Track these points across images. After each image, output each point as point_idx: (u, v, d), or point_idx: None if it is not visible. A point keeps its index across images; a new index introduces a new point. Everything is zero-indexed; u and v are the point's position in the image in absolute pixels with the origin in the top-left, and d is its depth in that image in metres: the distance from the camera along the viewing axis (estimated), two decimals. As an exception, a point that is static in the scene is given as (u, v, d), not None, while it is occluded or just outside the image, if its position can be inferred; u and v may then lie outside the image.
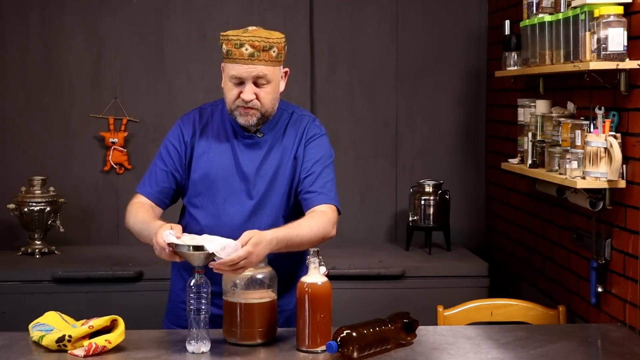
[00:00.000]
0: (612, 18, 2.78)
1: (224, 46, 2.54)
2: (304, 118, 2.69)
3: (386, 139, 4.67)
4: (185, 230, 2.52)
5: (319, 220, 2.52)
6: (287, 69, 2.64)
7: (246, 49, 2.49)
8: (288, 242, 2.41)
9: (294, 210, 2.65)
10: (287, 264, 2.58)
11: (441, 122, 4.73)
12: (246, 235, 2.30)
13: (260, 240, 2.30)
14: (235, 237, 2.31)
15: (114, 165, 4.59)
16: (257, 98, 2.53)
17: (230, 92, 2.55)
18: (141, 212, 2.57)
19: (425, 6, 4.68)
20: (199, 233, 2.44)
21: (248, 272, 2.36)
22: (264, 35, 2.51)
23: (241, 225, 2.55)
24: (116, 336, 2.34)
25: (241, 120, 2.57)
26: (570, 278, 3.45)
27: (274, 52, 2.52)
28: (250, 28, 2.54)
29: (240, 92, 2.53)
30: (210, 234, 2.41)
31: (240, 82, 2.52)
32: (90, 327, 2.33)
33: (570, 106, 3.31)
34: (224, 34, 2.54)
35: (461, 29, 4.69)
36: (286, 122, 2.67)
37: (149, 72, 4.63)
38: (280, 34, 2.56)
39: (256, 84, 2.52)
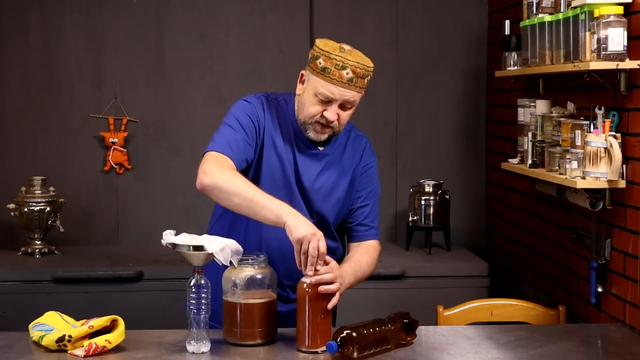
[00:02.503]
0: (612, 18, 2.78)
1: (320, 61, 2.44)
2: (362, 140, 2.68)
3: (386, 139, 4.67)
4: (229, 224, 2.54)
5: (373, 257, 2.64)
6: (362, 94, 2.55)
7: (347, 73, 2.43)
8: (354, 283, 2.52)
9: (335, 229, 2.67)
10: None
11: (441, 122, 4.73)
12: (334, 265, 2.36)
13: (344, 275, 2.41)
14: (285, 245, 2.36)
15: (114, 165, 4.59)
16: (337, 120, 2.49)
17: (312, 107, 2.48)
18: (243, 181, 2.37)
19: (425, 6, 4.68)
20: (255, 232, 2.50)
21: (248, 272, 2.36)
22: (364, 63, 2.46)
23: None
24: (116, 336, 2.33)
25: (312, 135, 2.51)
26: (570, 278, 3.45)
27: (367, 80, 2.49)
28: (345, 48, 2.47)
29: (324, 110, 2.47)
30: (267, 238, 2.49)
31: (328, 101, 2.46)
32: (90, 327, 2.33)
33: (570, 106, 3.31)
34: (324, 49, 2.45)
35: (461, 29, 4.69)
36: (345, 140, 2.64)
37: (149, 72, 4.63)
38: (371, 63, 2.50)
39: (341, 106, 2.48)
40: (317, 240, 2.27)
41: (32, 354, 2.33)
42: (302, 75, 2.54)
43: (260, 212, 2.34)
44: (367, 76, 2.48)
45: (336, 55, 2.44)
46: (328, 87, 2.44)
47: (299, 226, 2.27)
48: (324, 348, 2.30)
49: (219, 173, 2.37)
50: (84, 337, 2.32)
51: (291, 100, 2.60)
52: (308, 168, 2.57)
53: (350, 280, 2.48)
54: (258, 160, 2.54)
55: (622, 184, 2.86)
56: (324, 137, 2.53)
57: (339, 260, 2.72)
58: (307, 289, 2.31)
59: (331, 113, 2.47)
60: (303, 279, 2.33)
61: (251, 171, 2.54)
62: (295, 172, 2.56)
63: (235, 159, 2.44)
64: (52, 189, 4.36)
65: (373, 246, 2.66)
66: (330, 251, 2.62)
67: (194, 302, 2.29)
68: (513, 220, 4.22)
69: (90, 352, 2.28)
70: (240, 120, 2.51)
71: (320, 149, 2.58)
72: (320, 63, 2.45)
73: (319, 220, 2.59)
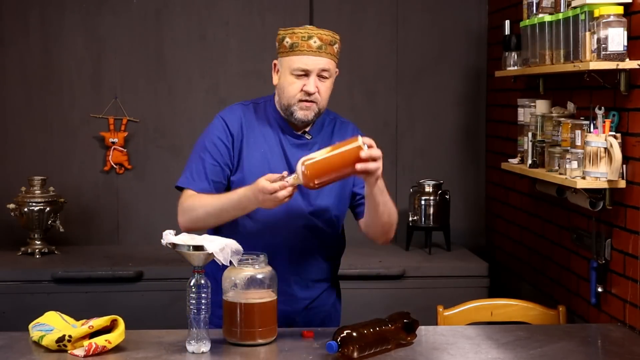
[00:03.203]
0: (612, 18, 2.78)
1: (287, 40, 2.55)
2: (348, 125, 2.73)
3: (386, 139, 4.67)
4: (232, 226, 2.57)
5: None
6: (338, 70, 2.65)
7: (315, 42, 2.53)
8: (385, 192, 2.52)
9: (342, 214, 2.69)
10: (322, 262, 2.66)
11: (441, 122, 4.73)
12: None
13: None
14: (289, 237, 2.49)
15: (114, 165, 4.59)
16: (318, 92, 2.55)
17: (291, 86, 2.55)
18: (208, 196, 2.54)
19: (425, 6, 4.68)
20: (247, 229, 2.53)
21: (248, 272, 2.36)
22: (329, 31, 2.57)
23: (297, 227, 2.58)
24: (116, 336, 2.33)
25: (300, 114, 2.56)
26: (570, 278, 3.45)
27: (336, 48, 2.58)
28: (307, 25, 2.61)
29: (303, 85, 2.54)
30: (258, 232, 2.51)
31: (305, 74, 2.54)
32: (90, 327, 2.33)
33: (570, 106, 3.31)
34: (287, 29, 2.58)
35: (461, 29, 4.69)
36: (332, 127, 2.69)
37: (149, 72, 4.63)
38: (337, 34, 2.61)
39: (318, 77, 2.55)
40: (275, 193, 2.34)
41: (32, 354, 2.32)
42: (275, 64, 2.63)
43: (233, 214, 2.51)
44: (335, 44, 2.57)
45: (300, 29, 2.56)
46: (300, 59, 2.53)
47: (257, 201, 2.40)
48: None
49: (185, 211, 2.56)
50: (84, 337, 2.32)
51: (271, 100, 2.67)
52: (299, 157, 2.55)
53: (384, 193, 2.51)
54: (238, 164, 2.60)
55: (622, 184, 2.86)
56: (310, 114, 2.57)
57: (340, 255, 2.74)
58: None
59: (310, 85, 2.54)
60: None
61: (236, 176, 2.60)
62: (287, 165, 2.60)
63: (208, 188, 2.58)
64: (52, 189, 4.36)
65: None
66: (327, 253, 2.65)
67: (194, 302, 2.29)
68: (513, 220, 4.22)
69: (90, 352, 2.28)
70: (210, 143, 2.61)
71: (308, 137, 2.63)
72: (287, 42, 2.56)
73: (320, 214, 2.60)
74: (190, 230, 2.46)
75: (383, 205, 2.54)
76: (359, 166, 2.33)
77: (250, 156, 2.60)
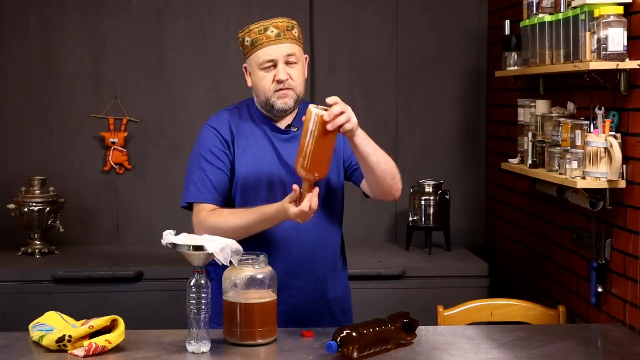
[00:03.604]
0: (612, 18, 2.78)
1: (246, 39, 2.62)
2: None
3: (386, 139, 4.66)
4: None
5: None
6: (307, 55, 2.71)
7: (272, 31, 2.60)
8: (369, 140, 2.51)
9: (341, 199, 2.72)
10: (329, 254, 2.68)
11: (441, 122, 4.73)
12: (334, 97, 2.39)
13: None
14: (287, 229, 2.52)
15: (114, 165, 4.59)
16: (290, 78, 2.59)
17: (263, 80, 2.60)
18: (229, 212, 2.57)
19: (425, 6, 4.68)
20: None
21: (248, 272, 2.36)
22: (283, 18, 2.63)
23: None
24: (116, 336, 2.33)
25: (280, 103, 2.60)
26: (570, 278, 3.45)
27: (295, 32, 2.63)
28: (260, 21, 2.65)
29: (274, 76, 2.58)
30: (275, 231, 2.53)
31: (273, 64, 2.58)
32: (90, 327, 2.33)
33: (570, 106, 3.31)
34: (242, 29, 2.64)
35: (461, 29, 4.69)
36: None
37: (149, 72, 4.63)
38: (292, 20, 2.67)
39: (287, 64, 2.59)
40: (308, 210, 2.40)
41: (32, 354, 2.33)
42: (245, 68, 2.69)
43: (260, 228, 2.53)
44: (293, 28, 2.63)
45: (254, 25, 2.62)
46: (263, 52, 2.59)
47: (290, 215, 2.43)
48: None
49: (209, 230, 2.51)
50: (84, 337, 2.32)
51: (252, 102, 2.72)
52: (291, 150, 2.59)
53: (369, 142, 2.52)
54: (232, 167, 2.64)
55: (622, 184, 2.86)
56: (290, 101, 2.61)
57: (341, 250, 2.75)
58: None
59: (280, 72, 2.58)
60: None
61: (233, 177, 2.63)
62: (279, 158, 2.63)
63: (216, 197, 2.61)
64: (52, 189, 4.36)
65: None
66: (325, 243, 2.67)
67: (194, 302, 2.29)
68: (513, 220, 4.22)
69: (90, 352, 2.28)
70: (208, 153, 2.63)
71: (294, 130, 2.66)
72: (247, 41, 2.62)
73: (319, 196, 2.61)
74: None
75: (374, 154, 2.54)
76: (329, 126, 2.35)
77: (242, 158, 2.63)
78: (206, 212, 2.58)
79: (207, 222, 2.55)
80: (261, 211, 2.51)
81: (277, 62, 2.58)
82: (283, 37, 2.59)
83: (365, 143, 2.50)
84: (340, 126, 2.38)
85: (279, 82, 2.58)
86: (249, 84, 2.67)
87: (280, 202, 2.46)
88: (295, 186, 2.42)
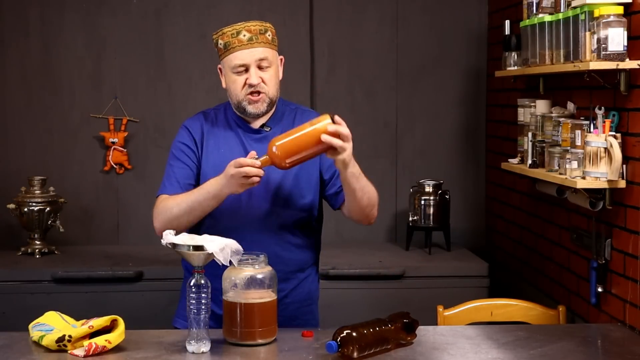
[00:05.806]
0: (612, 18, 2.78)
1: (220, 42, 2.63)
2: (310, 113, 2.76)
3: (386, 139, 4.67)
4: (203, 227, 2.59)
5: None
6: (282, 57, 2.71)
7: (244, 35, 2.59)
8: (360, 174, 2.52)
9: (313, 198, 2.70)
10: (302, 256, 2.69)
11: (441, 122, 4.73)
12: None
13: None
14: (255, 230, 2.52)
15: (114, 165, 4.59)
16: (263, 82, 2.60)
17: (235, 83, 2.62)
18: (179, 195, 2.59)
19: (425, 6, 4.68)
20: (215, 227, 2.52)
21: (248, 272, 2.36)
22: (257, 22, 2.63)
23: (263, 216, 2.61)
24: (116, 336, 2.33)
25: (251, 108, 2.62)
26: (570, 278, 3.45)
27: (269, 35, 2.62)
28: (234, 24, 2.65)
29: (246, 80, 2.59)
30: (227, 226, 2.51)
31: (245, 69, 2.59)
32: (90, 327, 2.33)
33: (570, 106, 3.31)
34: (216, 32, 2.65)
35: (461, 29, 4.69)
36: (292, 116, 2.73)
37: (149, 72, 4.63)
38: (268, 23, 2.67)
39: (259, 69, 2.59)
40: (245, 171, 2.40)
41: (32, 354, 2.33)
42: (220, 69, 2.70)
43: (205, 205, 2.53)
44: (267, 32, 2.62)
45: (228, 28, 2.62)
46: (235, 56, 2.60)
47: (228, 186, 2.45)
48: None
49: (159, 213, 2.58)
50: (84, 337, 2.32)
51: (228, 104, 2.73)
52: (262, 150, 2.56)
53: (360, 179, 2.53)
54: (198, 165, 2.68)
55: (622, 184, 2.86)
56: (262, 105, 2.62)
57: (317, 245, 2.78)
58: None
59: (252, 77, 2.59)
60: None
61: (201, 175, 2.66)
62: None
63: (173, 192, 2.63)
64: (52, 189, 4.36)
65: None
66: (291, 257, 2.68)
67: (194, 302, 2.29)
68: (513, 220, 4.22)
69: (90, 352, 2.28)
70: (177, 150, 2.71)
71: (267, 129, 2.67)
72: (220, 44, 2.64)
73: (288, 196, 2.62)
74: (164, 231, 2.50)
75: (360, 191, 2.56)
76: (324, 137, 2.37)
77: (210, 158, 2.66)
78: (159, 202, 2.63)
79: (159, 206, 2.60)
80: (205, 182, 2.55)
81: (249, 67, 2.59)
82: (255, 42, 2.59)
83: (355, 180, 2.52)
84: (331, 148, 2.39)
85: (251, 86, 2.59)
86: (223, 85, 2.69)
87: (213, 183, 2.50)
88: (253, 152, 2.45)
